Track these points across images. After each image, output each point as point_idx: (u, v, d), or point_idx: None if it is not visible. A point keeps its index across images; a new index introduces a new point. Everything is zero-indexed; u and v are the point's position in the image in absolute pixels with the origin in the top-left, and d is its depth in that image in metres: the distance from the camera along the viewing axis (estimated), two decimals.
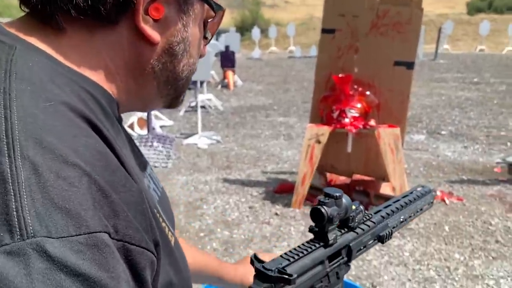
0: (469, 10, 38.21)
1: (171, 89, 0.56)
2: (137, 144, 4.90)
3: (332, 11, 3.64)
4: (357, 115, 3.48)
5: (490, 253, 2.84)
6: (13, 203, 0.34)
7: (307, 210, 3.51)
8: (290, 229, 3.21)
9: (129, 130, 5.62)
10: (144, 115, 5.81)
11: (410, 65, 3.47)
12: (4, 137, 0.36)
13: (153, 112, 5.87)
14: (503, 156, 4.74)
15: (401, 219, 0.74)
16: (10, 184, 0.34)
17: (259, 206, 3.59)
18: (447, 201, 3.67)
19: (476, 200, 3.73)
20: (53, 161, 0.36)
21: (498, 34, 22.32)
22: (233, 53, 10.00)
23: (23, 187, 0.34)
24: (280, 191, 3.87)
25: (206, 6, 0.54)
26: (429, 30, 19.78)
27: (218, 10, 0.55)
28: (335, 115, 3.53)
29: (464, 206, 3.60)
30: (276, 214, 3.43)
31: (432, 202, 0.83)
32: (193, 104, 7.59)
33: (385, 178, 3.54)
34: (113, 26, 0.48)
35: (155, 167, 4.62)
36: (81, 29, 0.47)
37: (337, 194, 0.58)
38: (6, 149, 0.36)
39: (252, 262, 0.55)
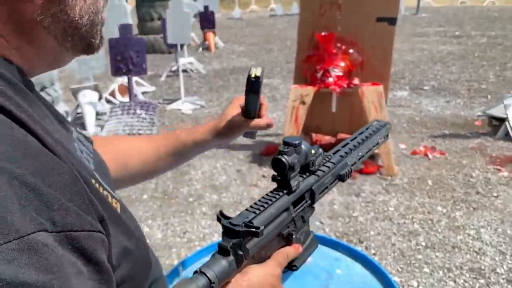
0: None
1: (75, 39, 0.51)
2: (119, 112, 4.74)
3: None
4: (341, 74, 3.47)
5: (471, 204, 2.94)
6: None
7: None
8: None
9: (110, 98, 5.52)
10: (124, 81, 5.69)
11: (392, 21, 3.43)
12: None
13: (134, 79, 5.75)
14: (484, 109, 4.82)
15: (360, 156, 0.77)
16: None
17: (246, 169, 3.62)
18: (430, 156, 3.75)
19: (458, 153, 3.81)
20: None
21: None
22: (212, 13, 9.73)
23: None
24: (266, 153, 3.89)
25: None
26: None
27: None
28: (319, 75, 3.51)
29: (446, 160, 3.68)
30: (264, 176, 3.46)
31: (387, 135, 0.86)
32: (174, 68, 7.45)
33: None
34: None
35: (139, 134, 4.58)
36: None
37: (296, 142, 0.60)
38: None
39: (218, 219, 0.56)
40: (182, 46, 6.50)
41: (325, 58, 3.52)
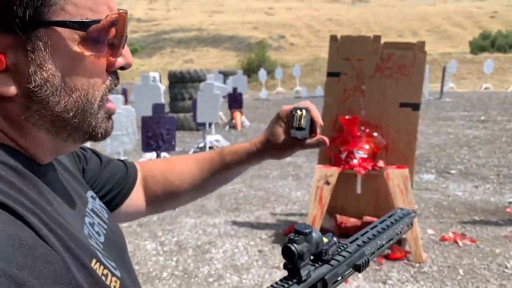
0: (472, 49, 38.83)
1: (69, 131, 0.51)
2: None
3: (337, 55, 3.73)
4: (365, 156, 3.49)
5: None
6: None
7: None
8: None
9: None
10: (153, 157, 5.87)
11: (416, 106, 3.51)
12: None
13: (163, 154, 5.93)
14: None
15: (379, 245, 0.74)
16: None
17: (268, 250, 3.54)
18: (460, 243, 3.60)
19: (490, 241, 3.65)
20: None
21: (502, 72, 22.57)
22: (240, 94, 10.19)
23: None
24: (290, 233, 3.82)
25: (68, 29, 0.46)
26: (433, 69, 20.07)
27: (87, 26, 0.47)
28: (343, 156, 3.55)
29: (478, 248, 3.52)
30: None
31: (411, 224, 0.81)
32: (201, 145, 7.66)
33: None
34: None
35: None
36: None
37: (307, 231, 0.59)
38: None
39: None
40: (210, 124, 6.75)
41: (349, 140, 3.58)
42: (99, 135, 0.54)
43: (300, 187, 5.39)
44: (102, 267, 0.49)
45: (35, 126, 0.49)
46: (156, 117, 4.92)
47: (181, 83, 10.66)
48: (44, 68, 0.46)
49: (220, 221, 4.29)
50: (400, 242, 3.44)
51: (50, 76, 0.47)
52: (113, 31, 0.51)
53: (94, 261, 0.48)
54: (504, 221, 4.12)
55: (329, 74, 3.77)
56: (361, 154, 3.49)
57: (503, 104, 13.39)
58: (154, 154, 5.64)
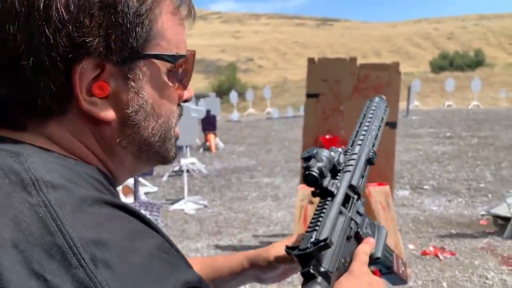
0: (432, 68, 40.57)
1: (150, 155, 0.55)
2: None
3: (315, 77, 3.82)
4: None
5: None
6: None
7: None
8: None
9: None
10: (129, 182, 5.75)
11: (393, 125, 3.62)
12: (68, 249, 0.39)
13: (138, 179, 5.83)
14: (487, 208, 4.85)
15: (374, 136, 0.76)
16: None
17: None
18: (441, 257, 3.69)
19: (469, 253, 3.75)
20: (118, 253, 0.40)
21: (463, 90, 23.65)
22: (214, 116, 10.20)
23: (105, 285, 0.38)
24: None
25: (159, 61, 0.51)
26: None
27: (177, 60, 0.52)
28: None
29: (458, 261, 3.61)
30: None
31: (387, 107, 0.84)
32: (176, 168, 7.58)
33: None
34: (64, 116, 0.48)
35: None
36: (39, 124, 0.48)
37: (313, 152, 0.62)
38: (75, 260, 0.38)
39: (288, 253, 0.59)
40: (186, 147, 6.70)
41: None
42: (171, 158, 0.58)
43: (280, 207, 5.40)
44: None
45: (124, 149, 0.53)
46: None
47: None
48: (140, 96, 0.50)
49: (203, 245, 4.23)
50: None
51: (144, 103, 0.51)
52: (188, 68, 0.57)
53: None
54: (479, 233, 4.26)
55: (308, 95, 3.85)
56: None
57: (466, 121, 13.98)
58: (131, 179, 5.53)
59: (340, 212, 0.62)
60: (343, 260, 0.61)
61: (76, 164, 0.49)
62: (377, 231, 0.71)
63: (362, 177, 0.70)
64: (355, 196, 0.67)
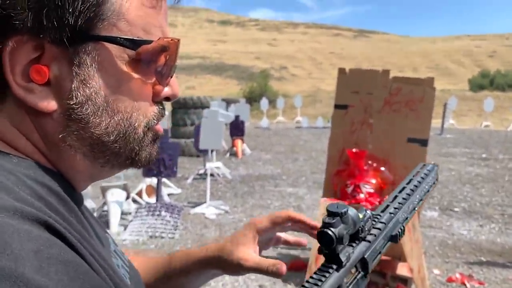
0: (471, 86, 39.36)
1: (108, 156, 0.47)
2: (145, 213, 4.74)
3: (346, 88, 3.72)
4: (372, 191, 3.42)
5: None
6: None
7: None
8: None
9: (137, 198, 5.57)
10: (153, 182, 5.78)
11: (424, 142, 3.47)
12: None
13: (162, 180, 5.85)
14: None
15: (410, 209, 0.67)
16: None
17: (269, 285, 3.42)
18: (468, 285, 3.48)
19: (498, 284, 3.53)
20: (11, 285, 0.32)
21: (502, 110, 22.77)
22: (242, 122, 10.19)
23: None
24: (291, 268, 3.70)
25: (117, 46, 0.44)
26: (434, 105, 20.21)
27: (138, 46, 0.44)
28: (349, 190, 3.47)
29: None
30: None
31: (437, 179, 0.74)
32: (201, 171, 7.58)
33: (401, 258, 3.39)
34: (1, 105, 0.43)
35: (162, 237, 4.50)
36: None
37: (343, 211, 0.53)
38: None
39: None
40: (212, 151, 6.70)
41: (355, 173, 3.51)
42: (143, 160, 0.50)
43: None
44: None
45: (71, 148, 0.45)
46: (159, 142, 4.87)
47: (184, 109, 10.68)
48: (88, 85, 0.43)
49: None
50: (406, 282, 3.33)
51: (93, 94, 0.44)
52: (162, 58, 0.48)
53: None
54: (511, 263, 4.01)
55: (337, 106, 3.75)
56: (367, 188, 3.42)
57: (503, 143, 13.41)
58: (153, 179, 5.56)
59: (339, 286, 0.55)
60: None
61: (18, 163, 0.42)
62: None
63: (379, 253, 0.61)
64: (362, 273, 0.60)
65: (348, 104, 3.68)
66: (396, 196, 0.67)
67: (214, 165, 7.73)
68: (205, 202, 5.75)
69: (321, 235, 0.54)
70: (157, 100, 0.50)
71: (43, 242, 0.36)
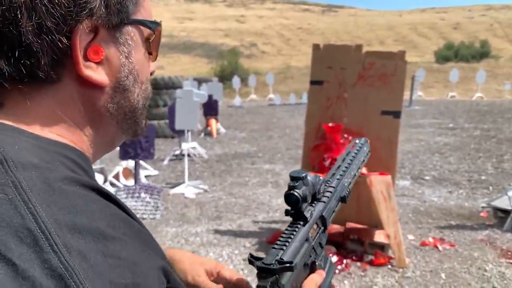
0: (437, 58, 40.24)
1: (131, 122, 0.55)
2: (124, 195, 4.73)
3: (320, 64, 3.78)
4: None
5: None
6: None
7: None
8: None
9: (114, 181, 5.53)
10: (129, 165, 5.74)
11: (397, 114, 3.59)
12: (41, 234, 0.36)
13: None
14: (487, 201, 4.84)
15: (352, 175, 0.80)
16: (69, 278, 0.35)
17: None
18: (440, 248, 3.69)
19: (468, 245, 3.75)
20: (94, 242, 0.38)
21: (467, 81, 23.48)
22: (216, 101, 10.15)
23: (82, 277, 0.35)
24: (273, 241, 3.81)
25: (142, 27, 0.52)
26: None
27: (155, 27, 0.53)
28: (327, 163, 3.57)
29: (457, 252, 3.61)
30: None
31: (369, 151, 0.89)
32: (177, 152, 7.57)
33: (378, 225, 3.55)
34: (57, 84, 0.46)
35: (143, 218, 4.51)
36: (19, 96, 0.46)
37: (303, 175, 0.64)
38: (47, 245, 0.35)
39: (251, 262, 0.59)
40: (187, 131, 6.68)
41: (332, 147, 3.61)
42: (143, 130, 0.58)
43: (280, 194, 5.39)
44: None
45: (111, 116, 0.52)
46: None
47: (155, 90, 10.49)
48: (130, 60, 0.51)
49: (202, 229, 4.23)
50: (383, 248, 3.49)
51: (133, 68, 0.51)
52: (158, 40, 0.56)
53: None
54: (479, 225, 4.26)
55: (312, 82, 3.81)
56: None
57: (469, 112, 13.90)
58: (131, 162, 5.52)
59: (307, 239, 0.64)
60: (294, 284, 0.63)
61: (49, 143, 0.46)
62: (328, 265, 0.74)
63: (333, 212, 0.73)
64: (322, 228, 0.70)
65: (323, 80, 3.75)
66: (339, 166, 0.79)
67: (189, 145, 7.71)
68: (183, 182, 5.77)
69: (288, 197, 0.63)
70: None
71: (102, 203, 0.43)
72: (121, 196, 4.80)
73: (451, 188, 5.63)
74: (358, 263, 3.39)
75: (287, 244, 0.60)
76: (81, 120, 0.50)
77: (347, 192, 0.75)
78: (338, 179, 0.75)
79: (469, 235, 3.98)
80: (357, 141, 0.88)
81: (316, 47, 3.80)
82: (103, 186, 0.46)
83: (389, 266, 3.34)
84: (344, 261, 3.37)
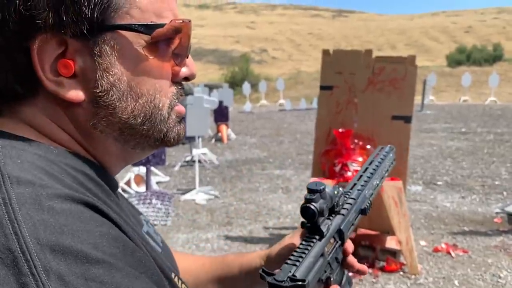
0: (449, 62, 39.88)
1: (138, 139, 0.50)
2: (135, 202, 4.77)
3: (330, 69, 3.78)
4: (359, 168, 3.51)
5: None
6: None
7: None
8: None
9: (125, 187, 5.58)
10: (141, 171, 5.79)
11: (407, 119, 3.57)
12: (21, 255, 0.35)
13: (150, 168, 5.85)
14: (501, 206, 4.76)
15: (375, 185, 0.77)
16: None
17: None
18: (453, 254, 3.64)
19: (481, 252, 3.70)
20: (77, 265, 0.36)
21: (479, 85, 23.22)
22: (226, 107, 10.20)
23: None
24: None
25: (133, 32, 0.47)
26: None
27: (152, 30, 0.47)
28: (337, 168, 3.56)
29: (471, 259, 3.56)
30: None
31: (395, 159, 0.87)
32: (188, 158, 7.60)
33: (389, 231, 3.52)
34: (34, 99, 0.46)
35: (154, 225, 4.53)
36: (13, 109, 0.46)
37: (321, 188, 0.62)
38: (26, 267, 0.35)
39: (262, 277, 0.57)
40: (198, 137, 6.71)
41: (343, 152, 3.60)
42: (172, 140, 0.53)
43: (291, 200, 5.38)
44: (180, 282, 0.53)
45: (102, 133, 0.49)
46: None
47: None
48: (111, 73, 0.46)
49: (213, 236, 4.24)
50: (395, 254, 3.46)
51: (117, 80, 0.47)
52: (177, 39, 0.50)
53: (173, 275, 0.50)
54: (493, 231, 4.19)
55: (322, 88, 3.81)
56: (355, 166, 3.52)
57: (481, 116, 13.74)
58: (143, 168, 5.56)
59: (322, 254, 0.63)
60: None
61: (58, 154, 0.45)
62: (345, 280, 0.72)
63: (352, 224, 0.70)
64: (340, 242, 0.68)
65: (333, 85, 3.75)
66: (361, 175, 0.76)
67: (200, 151, 7.75)
68: (194, 188, 5.80)
69: (304, 210, 0.62)
70: (176, 80, 0.53)
71: (94, 221, 0.40)
72: (133, 203, 4.84)
73: (464, 193, 5.56)
74: (370, 270, 3.36)
75: (300, 259, 0.59)
76: (77, 135, 0.49)
77: (368, 204, 0.73)
78: (359, 190, 0.73)
79: (483, 241, 3.92)
80: (381, 148, 0.85)
81: (326, 52, 3.80)
82: (102, 201, 0.44)
83: (401, 273, 3.30)
84: None
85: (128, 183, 5.75)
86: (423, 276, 3.25)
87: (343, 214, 0.68)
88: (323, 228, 0.63)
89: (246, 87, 20.66)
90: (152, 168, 6.50)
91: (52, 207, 0.38)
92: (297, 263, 0.58)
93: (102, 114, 0.47)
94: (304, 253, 0.60)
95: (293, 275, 0.56)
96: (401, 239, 3.32)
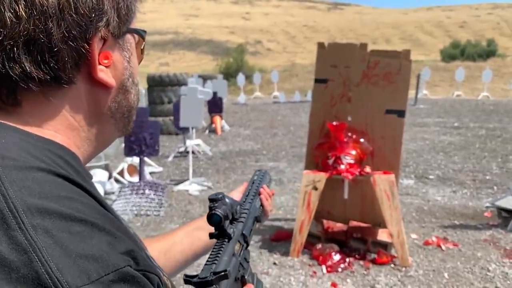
0: (443, 57, 40.00)
1: (126, 121, 0.59)
2: (128, 192, 4.74)
3: (325, 62, 3.78)
4: (352, 161, 3.54)
5: None
6: (41, 268, 0.37)
7: (306, 259, 3.47)
8: (290, 279, 3.15)
9: (119, 177, 5.56)
10: (134, 161, 5.78)
11: (401, 113, 3.58)
12: (9, 213, 0.39)
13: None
14: (492, 200, 4.82)
15: (260, 199, 0.92)
16: (32, 252, 0.37)
17: (256, 256, 3.53)
18: (443, 247, 3.68)
19: (471, 245, 3.75)
20: (61, 222, 0.40)
21: (473, 80, 23.34)
22: (220, 99, 10.16)
23: (44, 251, 0.37)
24: (277, 239, 3.83)
25: (136, 34, 0.58)
26: None
27: (144, 35, 0.59)
28: (330, 161, 3.58)
29: (460, 252, 3.61)
30: (275, 263, 3.37)
31: (270, 179, 1.05)
32: (181, 149, 7.59)
33: (381, 224, 3.55)
34: (71, 86, 0.50)
35: (147, 215, 4.54)
36: (37, 97, 0.49)
37: (220, 196, 0.70)
38: (15, 223, 0.38)
39: (187, 282, 0.62)
40: (192, 128, 6.70)
41: (336, 146, 3.61)
42: (131, 130, 0.62)
43: (284, 192, 5.40)
44: (169, 281, 0.56)
45: (111, 114, 0.56)
46: (139, 121, 4.85)
47: (160, 87, 10.54)
48: (130, 64, 0.56)
49: None
50: (386, 247, 3.50)
51: (132, 71, 0.57)
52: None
53: (161, 273, 0.53)
54: (483, 225, 4.25)
55: (317, 81, 3.81)
56: (348, 159, 3.54)
57: (474, 111, 13.84)
58: (134, 158, 5.55)
59: (233, 254, 0.69)
60: None
61: (40, 140, 0.48)
62: (256, 280, 0.80)
63: (251, 230, 0.80)
64: (245, 244, 0.76)
65: (328, 78, 3.75)
66: (249, 190, 0.92)
67: (194, 142, 7.74)
68: (187, 179, 5.80)
69: (211, 217, 0.68)
70: None
71: (77, 193, 0.44)
72: (126, 193, 4.83)
73: (455, 187, 5.62)
74: (361, 262, 3.39)
75: (217, 259, 0.64)
76: (83, 119, 0.53)
77: (259, 213, 0.87)
78: (250, 202, 0.86)
79: (473, 235, 3.97)
80: (259, 171, 1.03)
81: (321, 45, 3.79)
82: (93, 184, 0.49)
83: (392, 265, 3.34)
84: (347, 259, 3.38)
85: (121, 173, 5.73)
86: (414, 268, 3.29)
87: (242, 221, 0.77)
88: (229, 231, 0.70)
89: (240, 78, 20.60)
90: (146, 159, 6.48)
91: (36, 177, 0.42)
92: (216, 261, 0.63)
93: (119, 98, 0.56)
94: (219, 253, 0.66)
95: (214, 270, 0.61)
96: (392, 232, 3.36)
